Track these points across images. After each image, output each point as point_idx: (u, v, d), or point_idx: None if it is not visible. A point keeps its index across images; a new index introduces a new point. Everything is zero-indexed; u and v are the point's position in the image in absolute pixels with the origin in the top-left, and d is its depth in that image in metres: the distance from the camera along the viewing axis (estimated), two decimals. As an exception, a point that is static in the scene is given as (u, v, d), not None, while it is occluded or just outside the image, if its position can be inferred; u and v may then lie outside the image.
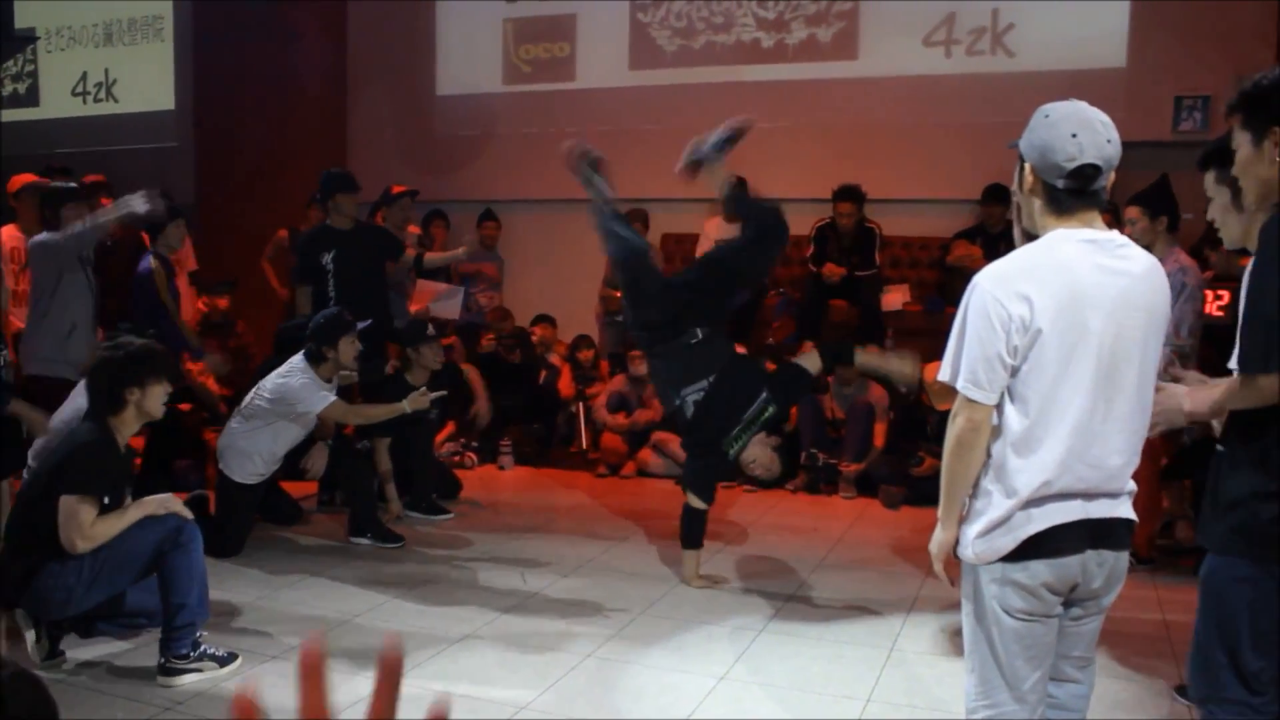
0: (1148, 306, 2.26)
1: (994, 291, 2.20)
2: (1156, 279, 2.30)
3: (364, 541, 5.64)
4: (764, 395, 4.92)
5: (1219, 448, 2.35)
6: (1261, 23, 7.37)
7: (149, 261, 6.18)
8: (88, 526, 3.74)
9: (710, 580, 5.08)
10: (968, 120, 8.07)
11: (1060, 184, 2.24)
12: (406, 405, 5.55)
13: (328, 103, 9.93)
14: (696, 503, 5.04)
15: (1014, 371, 2.21)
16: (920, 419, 6.88)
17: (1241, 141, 2.31)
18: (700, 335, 4.98)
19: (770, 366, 5.66)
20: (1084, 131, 2.21)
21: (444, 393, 5.86)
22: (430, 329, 6.50)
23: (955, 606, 2.47)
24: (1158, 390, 2.35)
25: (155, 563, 3.81)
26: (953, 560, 2.39)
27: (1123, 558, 2.35)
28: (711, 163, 5.22)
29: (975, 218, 7.92)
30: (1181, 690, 3.77)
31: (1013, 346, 2.19)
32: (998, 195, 7.68)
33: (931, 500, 6.99)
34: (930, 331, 7.62)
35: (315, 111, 9.75)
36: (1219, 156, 2.75)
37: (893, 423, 7.13)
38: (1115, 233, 2.30)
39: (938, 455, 7.02)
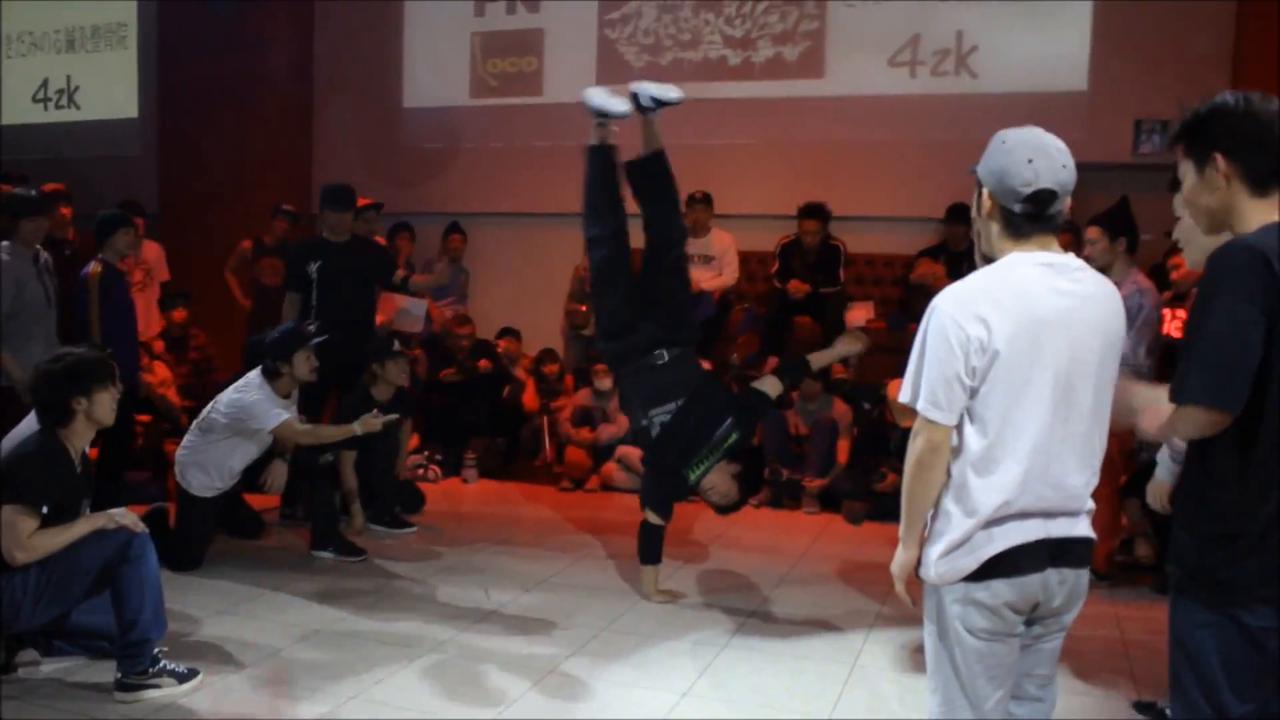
0: (1103, 328, 2.30)
1: (953, 314, 2.23)
2: (1111, 302, 2.35)
3: (326, 555, 5.60)
4: (729, 421, 4.91)
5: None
6: (1217, 47, 7.49)
7: (89, 266, 6.08)
8: (24, 537, 3.68)
9: (670, 595, 5.09)
10: (932, 139, 8.15)
11: (1017, 209, 2.28)
12: (357, 427, 5.50)
13: (293, 113, 9.87)
14: (654, 519, 5.04)
15: (972, 393, 2.24)
16: (883, 435, 6.92)
17: (1186, 170, 2.29)
18: (667, 356, 5.00)
19: (733, 388, 5.68)
20: (1040, 157, 2.25)
21: (395, 416, 5.78)
22: (396, 345, 6.49)
23: (917, 622, 2.48)
24: (1117, 387, 2.35)
25: (105, 578, 3.75)
26: (914, 580, 2.41)
27: (1083, 575, 2.37)
28: (652, 116, 5.32)
29: (938, 236, 7.99)
30: (1141, 706, 3.82)
31: (971, 368, 2.22)
32: (961, 214, 7.75)
33: (894, 515, 7.00)
34: (894, 348, 7.68)
35: (280, 122, 9.69)
36: (1191, 133, 2.53)
37: (856, 439, 7.17)
38: (1071, 256, 2.34)
39: (900, 471, 7.07)
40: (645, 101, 5.24)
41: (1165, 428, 2.27)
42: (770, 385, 5.15)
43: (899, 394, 2.34)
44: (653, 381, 5.01)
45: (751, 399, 5.16)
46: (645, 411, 5.00)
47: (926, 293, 7.47)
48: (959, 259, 7.70)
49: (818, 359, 5.35)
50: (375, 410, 5.64)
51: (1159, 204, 5.97)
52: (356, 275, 6.49)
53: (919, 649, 4.34)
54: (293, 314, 6.32)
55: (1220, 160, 2.21)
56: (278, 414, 5.35)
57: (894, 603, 4.94)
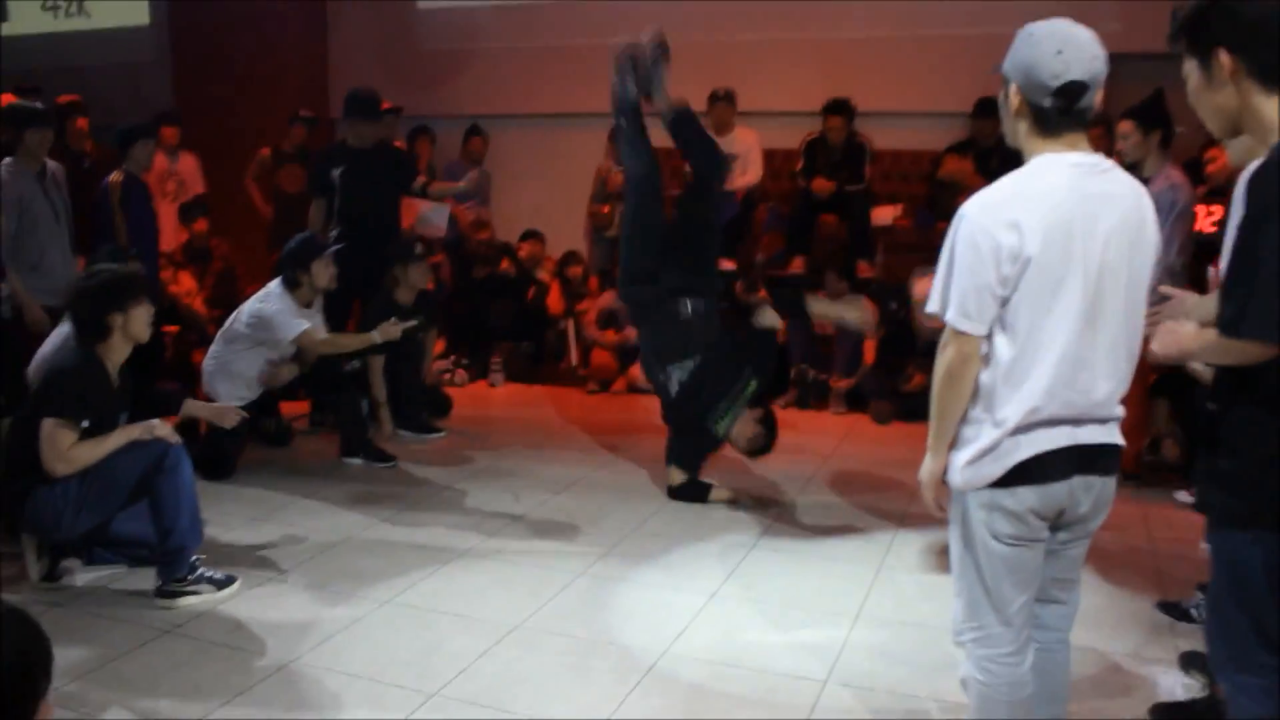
0: (1133, 231, 2.26)
1: (982, 221, 2.19)
2: (1142, 203, 2.29)
3: (356, 462, 5.67)
4: (747, 370, 4.97)
5: (1209, 405, 2.19)
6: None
7: (111, 176, 6.06)
8: (65, 450, 3.76)
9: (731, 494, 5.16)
10: (959, 33, 7.92)
11: (1047, 103, 2.22)
12: (376, 335, 5.59)
13: (308, 16, 9.70)
14: (678, 476, 5.13)
15: (1003, 302, 2.21)
16: (910, 335, 6.89)
17: (1190, 70, 2.16)
18: (690, 309, 5.04)
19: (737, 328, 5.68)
20: (1069, 48, 2.19)
21: (414, 323, 5.86)
22: (419, 248, 6.47)
23: (943, 525, 2.48)
24: (1160, 324, 2.23)
25: (142, 488, 3.83)
26: (942, 487, 2.41)
27: (1110, 483, 2.36)
28: (658, 82, 5.20)
29: (966, 131, 7.82)
30: (1165, 606, 3.84)
31: (1003, 277, 2.18)
32: (989, 109, 7.58)
33: (921, 415, 7.00)
34: (921, 246, 7.60)
35: (295, 25, 9.53)
36: (1190, 29, 2.19)
37: (882, 339, 7.14)
38: (1100, 156, 2.28)
39: (926, 370, 7.04)
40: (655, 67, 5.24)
41: (1210, 353, 2.13)
42: (768, 319, 5.18)
43: (928, 303, 2.30)
44: (675, 334, 5.07)
45: (759, 341, 5.18)
46: (663, 365, 5.08)
47: (954, 190, 7.44)
48: (987, 155, 7.56)
49: (817, 307, 5.42)
50: (394, 319, 5.66)
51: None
52: (380, 181, 6.45)
53: (944, 551, 4.36)
54: (319, 219, 6.31)
55: (1224, 56, 2.08)
56: (297, 324, 5.39)
57: (920, 505, 4.97)
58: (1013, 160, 2.33)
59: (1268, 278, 1.95)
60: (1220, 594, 2.16)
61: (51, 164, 5.66)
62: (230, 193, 8.35)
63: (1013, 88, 2.27)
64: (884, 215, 7.90)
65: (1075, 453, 2.27)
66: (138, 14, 9.79)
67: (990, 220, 2.18)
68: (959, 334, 2.24)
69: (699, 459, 5.20)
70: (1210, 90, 2.14)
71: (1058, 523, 2.35)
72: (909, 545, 4.52)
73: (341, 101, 6.62)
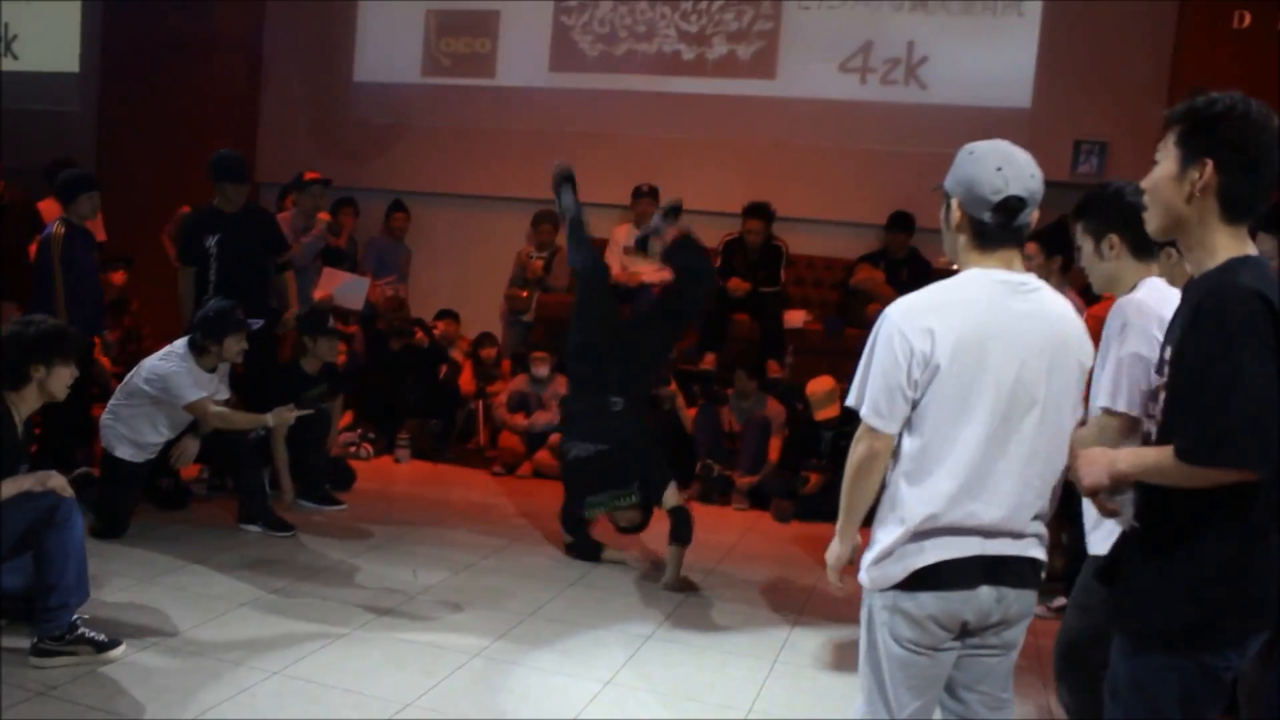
0: (1054, 352, 2.31)
1: (900, 324, 2.26)
2: (1067, 323, 2.35)
3: (254, 529, 5.56)
4: (635, 486, 5.29)
5: (1132, 524, 2.18)
6: (1154, 73, 7.69)
7: (52, 227, 5.98)
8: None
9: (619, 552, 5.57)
10: (878, 147, 8.27)
11: (987, 217, 2.29)
12: (270, 419, 5.57)
13: (241, 79, 9.70)
14: (568, 537, 5.59)
15: (914, 404, 2.27)
16: (814, 435, 7.02)
17: (1166, 158, 2.13)
18: (620, 405, 5.33)
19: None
20: (1008, 165, 2.28)
21: (310, 411, 5.86)
22: (331, 320, 6.46)
23: (839, 622, 2.54)
24: (1080, 454, 2.24)
25: (29, 540, 3.71)
26: (849, 571, 2.45)
27: (1027, 595, 2.36)
28: (659, 234, 5.71)
29: (879, 242, 8.10)
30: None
31: (913, 380, 2.25)
32: (902, 222, 7.89)
33: (820, 516, 7.12)
34: (829, 350, 7.81)
35: (227, 86, 9.52)
36: (1088, 209, 3.01)
37: (787, 439, 7.25)
38: (1030, 275, 2.35)
39: (824, 472, 7.13)
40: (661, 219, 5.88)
41: (1154, 474, 2.07)
42: (671, 496, 5.38)
43: (849, 396, 2.36)
44: (595, 419, 5.35)
45: (660, 475, 5.38)
46: (571, 437, 5.45)
47: (865, 298, 7.68)
48: (898, 266, 7.83)
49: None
50: (290, 405, 5.66)
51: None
52: (254, 248, 6.40)
53: (840, 646, 4.45)
54: (189, 288, 6.22)
55: (1209, 167, 2.06)
56: (194, 391, 5.33)
57: (818, 599, 5.05)
58: (923, 273, 2.44)
59: (1244, 404, 1.92)
60: (1130, 710, 2.13)
61: None
62: (145, 249, 8.22)
63: (954, 202, 2.34)
64: (795, 318, 8.09)
65: (981, 562, 2.28)
66: (68, 60, 9.71)
67: (908, 324, 2.25)
68: (870, 430, 2.30)
69: (580, 525, 5.56)
70: (1173, 187, 2.11)
71: (966, 630, 2.34)
72: (804, 642, 4.56)
73: (258, 166, 6.61)
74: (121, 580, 4.59)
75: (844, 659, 4.32)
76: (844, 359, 7.65)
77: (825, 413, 6.84)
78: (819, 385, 6.93)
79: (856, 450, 2.33)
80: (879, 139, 8.29)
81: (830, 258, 8.53)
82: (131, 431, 5.35)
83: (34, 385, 3.87)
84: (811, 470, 6.94)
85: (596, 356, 5.38)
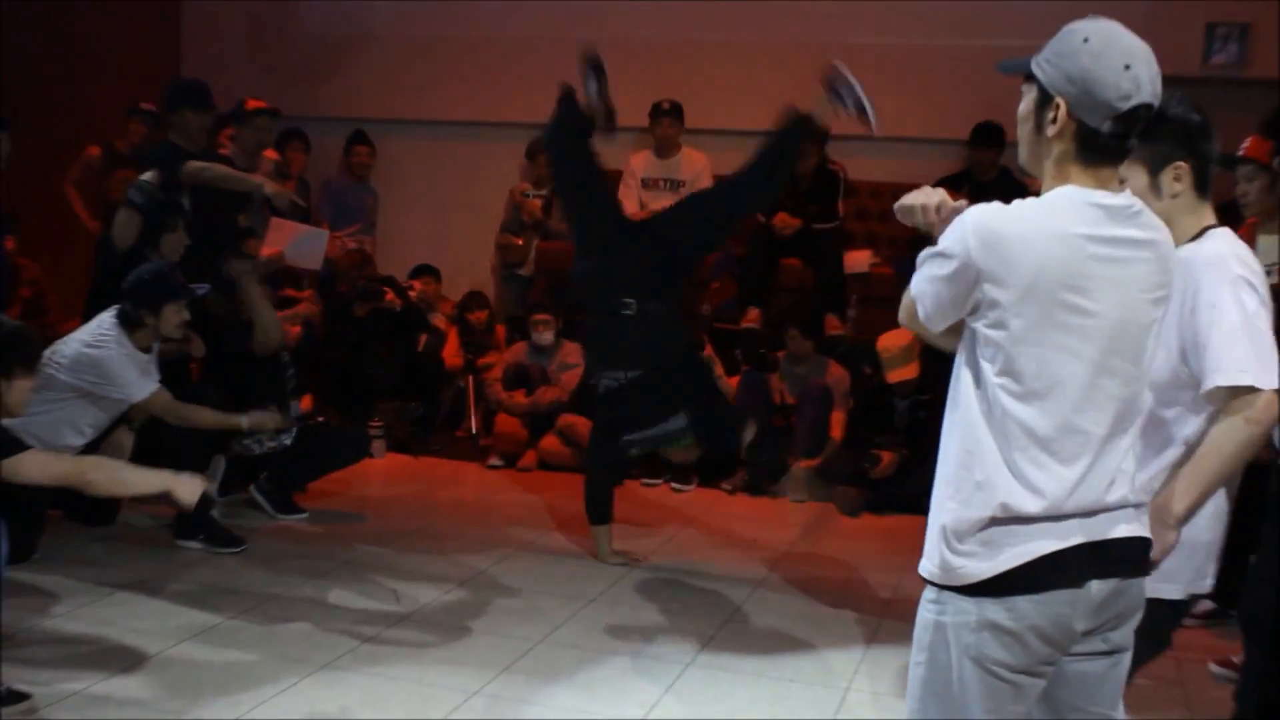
0: (1157, 285, 2.30)
1: (978, 248, 2.24)
2: (1167, 252, 2.34)
3: (194, 545, 5.57)
4: (682, 424, 5.28)
5: None
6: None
7: None
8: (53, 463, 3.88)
9: (627, 555, 5.55)
10: (956, 44, 8.17)
11: (1106, 127, 2.23)
12: (244, 421, 5.62)
13: (157, -13, 9.70)
14: (598, 477, 5.64)
15: (992, 355, 2.25)
16: (886, 405, 6.98)
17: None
18: (634, 308, 5.19)
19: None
20: (1137, 63, 2.21)
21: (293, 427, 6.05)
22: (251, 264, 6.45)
23: None
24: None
25: None
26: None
27: (1137, 585, 2.34)
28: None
29: (961, 162, 8.04)
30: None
31: (981, 312, 2.26)
32: (989, 136, 7.80)
33: (895, 506, 7.13)
34: (901, 299, 7.74)
35: (141, -2, 9.51)
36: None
37: (853, 410, 7.22)
38: (1128, 194, 2.32)
39: (900, 450, 7.11)
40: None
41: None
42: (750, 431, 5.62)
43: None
44: (613, 335, 5.29)
45: (720, 408, 5.61)
46: (598, 368, 5.44)
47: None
48: (986, 190, 7.73)
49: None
50: (272, 408, 5.76)
51: (1233, 127, 6.04)
52: (225, 200, 6.39)
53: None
54: (130, 236, 6.13)
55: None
56: (144, 383, 5.33)
57: (898, 613, 5.03)
58: (1016, 198, 2.37)
59: None
60: None
61: None
62: (44, 200, 8.23)
63: (1061, 104, 2.26)
64: (859, 261, 8.03)
65: (1085, 550, 2.24)
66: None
67: (988, 252, 2.20)
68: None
69: (615, 468, 5.78)
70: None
71: (1074, 641, 2.29)
72: (881, 667, 4.55)
73: (203, 93, 6.54)
74: (32, 616, 4.61)
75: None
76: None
77: (900, 373, 6.80)
78: (893, 340, 6.87)
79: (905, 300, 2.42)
80: (957, 32, 8.18)
81: (900, 184, 8.34)
82: (47, 435, 5.27)
83: None
84: (884, 448, 6.90)
85: (599, 250, 5.40)
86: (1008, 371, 2.23)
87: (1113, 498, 2.27)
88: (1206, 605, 5.11)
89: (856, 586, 5.46)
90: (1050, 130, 2.29)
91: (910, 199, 2.52)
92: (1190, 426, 2.75)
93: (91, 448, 5.46)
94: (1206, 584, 2.98)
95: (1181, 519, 2.43)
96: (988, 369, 2.25)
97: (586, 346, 5.81)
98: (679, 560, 5.76)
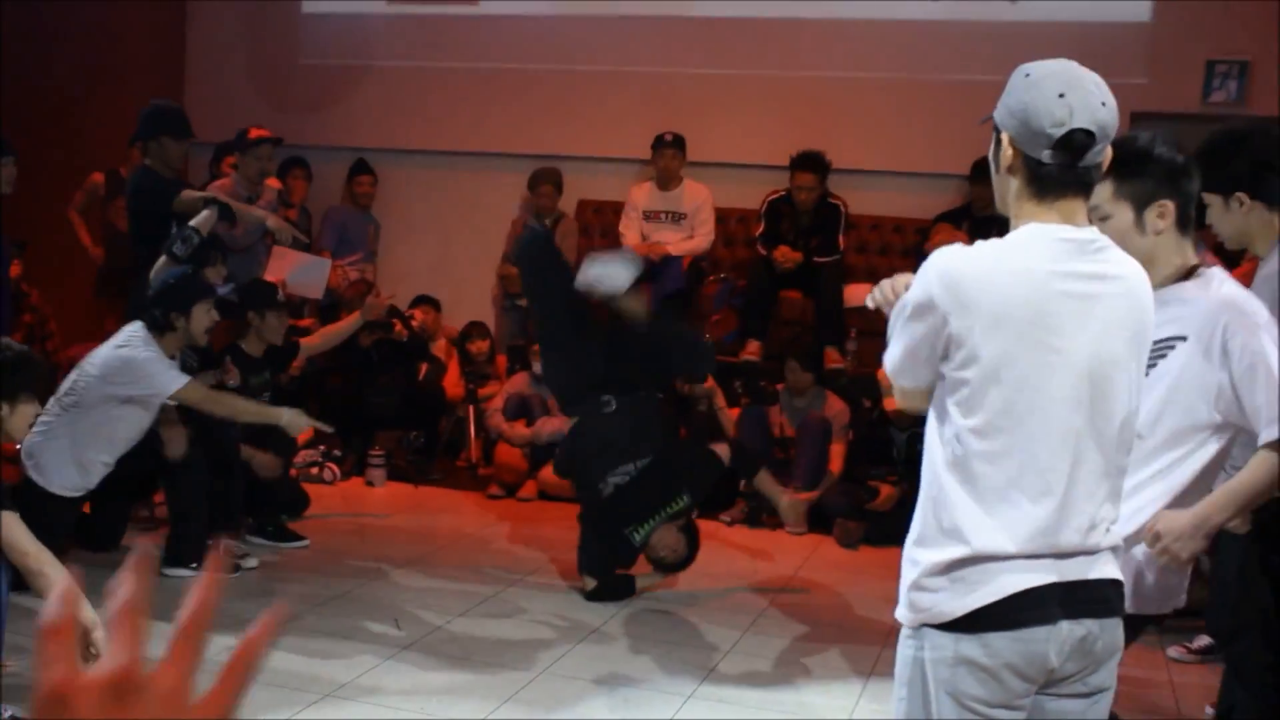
0: (1135, 321, 2.31)
1: (941, 290, 2.26)
2: (1141, 288, 2.35)
3: (184, 573, 5.54)
4: (686, 500, 5.54)
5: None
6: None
7: None
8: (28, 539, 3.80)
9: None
10: (959, 79, 8.20)
11: (1046, 156, 2.25)
12: (285, 415, 5.63)
13: (162, 18, 9.75)
14: (590, 583, 5.59)
15: (961, 396, 2.26)
16: (884, 438, 7.02)
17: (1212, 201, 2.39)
18: (614, 403, 5.52)
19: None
20: (1073, 91, 2.24)
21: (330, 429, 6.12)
22: (280, 294, 6.51)
23: None
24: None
25: None
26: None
27: (1112, 625, 2.33)
28: (626, 296, 5.66)
29: (962, 197, 8.08)
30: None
31: (950, 356, 2.27)
32: (989, 172, 7.84)
33: (894, 539, 7.15)
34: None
35: (145, 28, 9.56)
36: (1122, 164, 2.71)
37: (853, 444, 7.26)
38: (1095, 230, 2.34)
39: (898, 483, 7.17)
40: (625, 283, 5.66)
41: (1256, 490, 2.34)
42: (724, 452, 5.77)
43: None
44: (606, 433, 5.54)
45: (705, 460, 5.77)
46: (602, 473, 5.54)
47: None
48: (986, 225, 7.78)
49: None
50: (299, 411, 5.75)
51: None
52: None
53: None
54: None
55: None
56: (178, 375, 5.35)
57: (896, 646, 5.05)
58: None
59: None
60: None
61: None
62: (47, 226, 8.27)
63: (1005, 138, 2.31)
64: (859, 295, 8.03)
65: (1058, 590, 2.24)
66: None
67: (947, 295, 2.23)
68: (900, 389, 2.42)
69: (610, 567, 5.61)
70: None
71: (1050, 678, 2.29)
72: (883, 697, 4.51)
73: (181, 120, 6.58)
74: (31, 643, 4.61)
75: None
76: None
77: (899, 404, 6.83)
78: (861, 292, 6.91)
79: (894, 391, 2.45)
80: (961, 69, 8.23)
81: (900, 218, 8.52)
82: (75, 452, 5.26)
83: None
84: (882, 480, 6.94)
85: (577, 362, 5.61)
86: (974, 409, 2.23)
87: (1088, 540, 2.27)
88: (1204, 641, 5.15)
89: (856, 618, 5.49)
90: (1002, 164, 2.35)
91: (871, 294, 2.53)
92: (1193, 465, 2.80)
93: (144, 448, 5.49)
94: (1181, 601, 3.06)
95: (1214, 531, 2.47)
96: (955, 412, 2.26)
97: (579, 454, 5.75)
98: (678, 591, 5.78)
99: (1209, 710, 4.67)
